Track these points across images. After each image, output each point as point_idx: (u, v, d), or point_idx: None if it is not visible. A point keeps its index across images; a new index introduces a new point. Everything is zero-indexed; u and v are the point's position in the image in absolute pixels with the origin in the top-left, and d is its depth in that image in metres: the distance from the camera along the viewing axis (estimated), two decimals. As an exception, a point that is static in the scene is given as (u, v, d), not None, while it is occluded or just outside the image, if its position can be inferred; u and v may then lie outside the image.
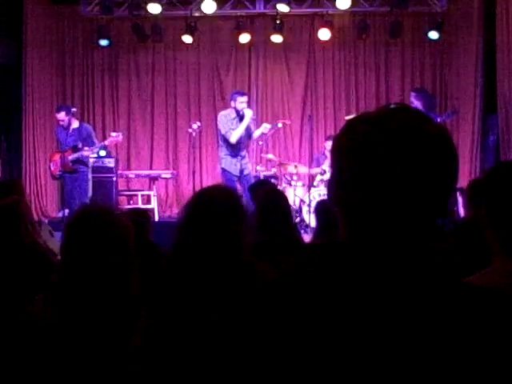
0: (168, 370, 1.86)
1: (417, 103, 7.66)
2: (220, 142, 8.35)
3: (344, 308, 0.95)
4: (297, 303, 0.97)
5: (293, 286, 1.00)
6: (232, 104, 8.14)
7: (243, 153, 8.25)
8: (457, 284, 1.00)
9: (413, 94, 7.87)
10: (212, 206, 2.00)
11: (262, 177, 8.89)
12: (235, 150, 8.09)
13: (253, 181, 8.72)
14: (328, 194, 1.10)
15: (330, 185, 1.09)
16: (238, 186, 8.02)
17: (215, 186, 2.25)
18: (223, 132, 8.08)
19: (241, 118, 8.05)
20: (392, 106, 1.09)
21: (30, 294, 2.71)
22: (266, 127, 8.33)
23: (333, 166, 1.09)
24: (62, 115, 8.42)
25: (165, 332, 1.89)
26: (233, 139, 7.96)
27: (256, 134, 8.35)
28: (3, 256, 3.21)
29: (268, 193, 4.04)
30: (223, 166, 8.27)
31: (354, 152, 1.03)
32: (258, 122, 9.31)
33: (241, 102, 8.00)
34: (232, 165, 8.12)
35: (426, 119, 1.05)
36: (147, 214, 4.24)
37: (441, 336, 0.93)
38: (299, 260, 1.05)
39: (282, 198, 3.95)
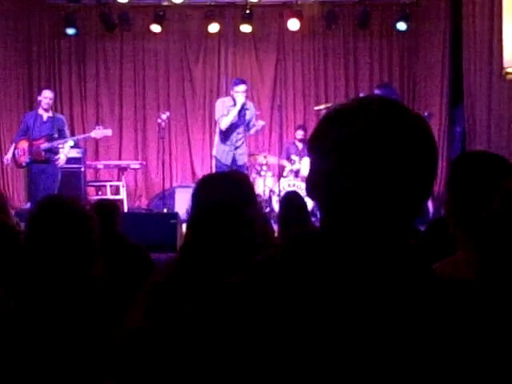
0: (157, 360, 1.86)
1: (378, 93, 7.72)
2: (216, 129, 8.29)
3: (322, 298, 0.95)
4: (275, 297, 0.96)
5: (270, 280, 0.99)
6: (231, 92, 8.08)
7: (238, 143, 8.03)
8: (430, 276, 1.01)
9: (376, 89, 7.94)
10: (222, 193, 1.98)
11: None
12: (229, 138, 7.94)
13: (253, 177, 8.74)
14: (306, 187, 1.08)
15: (310, 177, 1.07)
16: None
17: (220, 173, 2.24)
18: (216, 117, 8.05)
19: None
20: (372, 96, 1.09)
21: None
22: (260, 124, 8.23)
23: (312, 158, 1.07)
24: (49, 94, 8.02)
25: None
26: (222, 125, 7.85)
27: (252, 130, 8.23)
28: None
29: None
30: (214, 153, 8.23)
31: (335, 145, 1.01)
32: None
33: (236, 90, 7.87)
34: (224, 153, 7.97)
35: (407, 110, 1.05)
36: (115, 205, 4.19)
37: (412, 326, 0.94)
38: (277, 252, 1.05)
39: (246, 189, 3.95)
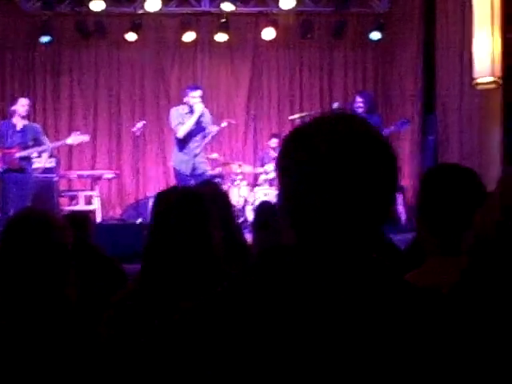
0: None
1: (360, 103, 7.79)
2: (174, 138, 8.09)
3: (289, 311, 0.99)
4: (246, 310, 1.01)
5: (243, 292, 1.04)
6: (185, 99, 7.84)
7: (197, 150, 7.83)
8: (396, 283, 1.05)
9: (357, 95, 8.02)
10: (179, 209, 1.99)
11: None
12: (187, 146, 7.76)
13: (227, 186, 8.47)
14: (277, 203, 1.14)
15: (279, 194, 1.11)
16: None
17: (175, 188, 2.25)
18: (172, 126, 7.85)
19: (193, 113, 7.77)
20: (334, 111, 1.13)
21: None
22: (215, 129, 8.06)
23: (280, 175, 1.11)
24: (26, 101, 7.89)
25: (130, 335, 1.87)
26: (180, 134, 7.68)
27: (207, 138, 8.03)
28: None
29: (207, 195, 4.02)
30: (173, 163, 8.06)
31: (300, 161, 1.04)
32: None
33: (192, 96, 7.67)
34: (182, 163, 7.80)
35: (366, 125, 1.08)
36: (87, 216, 4.16)
37: (377, 334, 0.98)
38: (249, 266, 1.10)
39: (221, 200, 3.94)
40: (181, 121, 7.67)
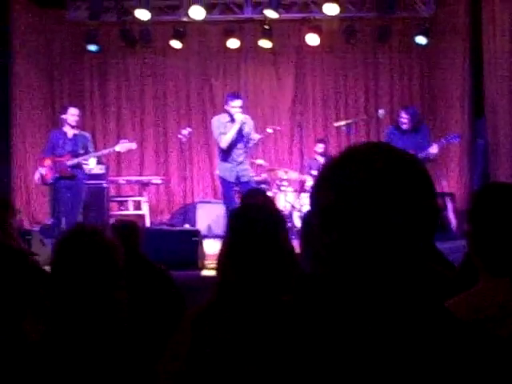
0: None
1: (405, 119, 7.70)
2: (217, 147, 8.07)
3: (331, 342, 1.00)
4: (290, 339, 1.02)
5: (289, 321, 1.05)
6: (226, 107, 7.79)
7: (240, 158, 7.77)
8: (437, 317, 1.04)
9: (403, 111, 7.91)
10: (256, 222, 2.03)
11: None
12: (230, 155, 7.71)
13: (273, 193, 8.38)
14: (313, 229, 1.12)
15: (315, 221, 1.10)
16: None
17: (251, 204, 2.29)
18: (215, 136, 7.85)
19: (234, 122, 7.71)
20: (375, 144, 1.12)
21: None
22: (257, 137, 8.03)
23: (315, 202, 1.10)
24: (76, 111, 8.04)
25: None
26: (223, 144, 7.65)
27: (250, 144, 7.97)
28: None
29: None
30: (218, 171, 8.04)
31: (340, 190, 1.04)
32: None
33: (232, 106, 7.62)
34: (226, 171, 7.75)
35: (408, 157, 1.08)
36: (135, 224, 4.18)
37: (414, 367, 0.98)
38: (293, 295, 1.10)
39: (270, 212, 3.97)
40: (222, 130, 7.64)
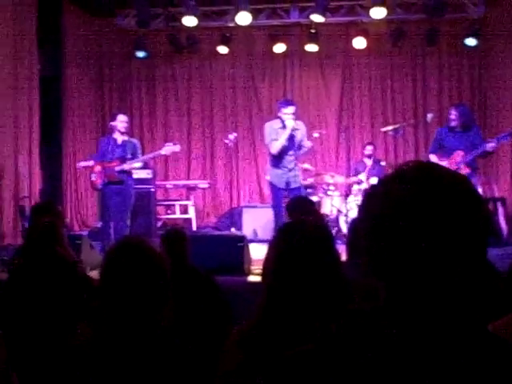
0: None
1: (453, 115, 7.53)
2: (268, 153, 8.00)
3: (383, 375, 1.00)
4: (339, 372, 1.03)
5: (335, 354, 1.05)
6: (279, 114, 7.71)
7: (291, 165, 7.69)
8: (476, 340, 1.04)
9: (452, 108, 7.72)
10: (303, 240, 2.03)
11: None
12: (281, 161, 7.66)
13: (319, 197, 8.28)
14: (367, 263, 1.11)
15: (368, 255, 1.10)
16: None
17: (299, 221, 2.27)
18: (266, 142, 7.78)
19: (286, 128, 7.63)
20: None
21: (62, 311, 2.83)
22: (309, 145, 7.92)
23: (366, 209, 1.11)
24: (125, 118, 8.19)
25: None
26: (273, 150, 7.59)
27: (302, 151, 7.89)
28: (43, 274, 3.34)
29: (302, 215, 4.06)
30: (268, 177, 7.98)
31: (388, 218, 1.05)
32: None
33: (284, 112, 7.54)
34: (277, 177, 7.68)
35: (455, 176, 1.08)
36: (183, 234, 4.19)
37: None
38: (340, 328, 1.09)
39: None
40: (274, 136, 7.59)
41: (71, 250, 4.69)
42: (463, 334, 1.03)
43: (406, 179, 1.06)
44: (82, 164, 8.06)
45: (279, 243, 2.08)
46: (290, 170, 7.71)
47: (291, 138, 7.60)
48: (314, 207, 5.06)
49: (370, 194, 1.12)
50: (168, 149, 8.25)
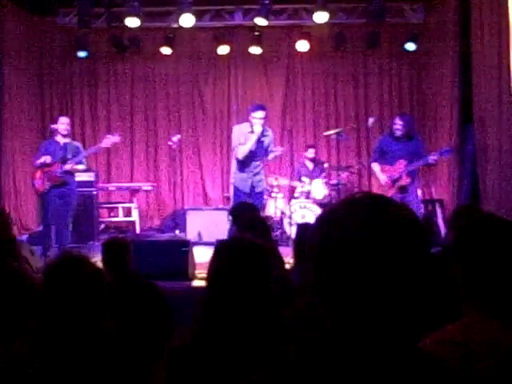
0: None
1: (399, 125, 7.69)
2: (233, 156, 7.91)
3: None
4: None
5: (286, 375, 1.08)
6: (249, 117, 7.62)
7: (256, 169, 7.67)
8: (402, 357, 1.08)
9: (398, 117, 7.90)
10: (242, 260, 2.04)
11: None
12: (247, 165, 7.59)
13: (264, 199, 8.22)
14: (314, 290, 1.14)
15: (314, 284, 1.13)
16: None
17: (241, 238, 2.28)
18: (233, 145, 7.73)
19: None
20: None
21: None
22: (279, 150, 7.96)
23: (312, 269, 1.13)
24: (66, 120, 8.02)
25: None
26: (239, 155, 7.52)
27: (270, 156, 7.85)
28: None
29: (246, 221, 4.08)
30: (233, 181, 7.92)
31: (332, 255, 1.08)
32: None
33: (253, 116, 7.48)
34: (242, 181, 7.62)
35: (399, 207, 1.12)
36: (126, 243, 4.13)
37: None
38: (288, 357, 1.12)
39: (260, 226, 3.99)
40: (242, 140, 7.51)
41: (23, 260, 4.60)
42: (396, 355, 1.07)
43: (357, 208, 1.09)
44: (39, 162, 7.81)
45: (213, 261, 2.09)
46: (255, 175, 7.68)
47: (259, 143, 7.56)
48: (257, 213, 5.07)
49: (319, 221, 1.14)
50: (108, 141, 8.15)
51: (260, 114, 7.47)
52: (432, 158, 7.33)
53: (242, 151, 7.50)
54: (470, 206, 5.98)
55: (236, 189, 7.74)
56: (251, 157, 7.57)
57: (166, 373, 1.94)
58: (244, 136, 7.52)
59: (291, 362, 1.10)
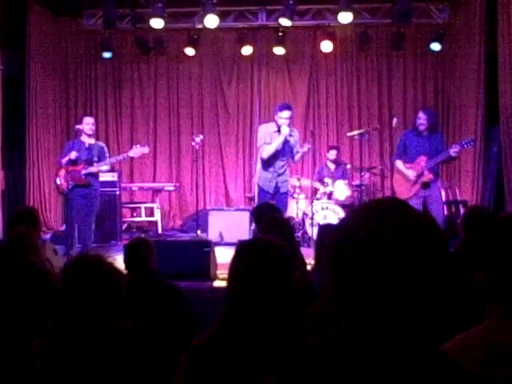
0: None
1: (423, 120, 7.57)
2: (258, 155, 7.87)
3: None
4: None
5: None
6: (275, 117, 7.59)
7: (281, 170, 7.60)
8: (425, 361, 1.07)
9: (421, 112, 7.77)
10: (264, 260, 2.02)
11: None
12: (272, 165, 7.54)
13: (288, 200, 8.12)
14: (331, 296, 1.14)
15: (331, 288, 1.12)
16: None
17: (263, 239, 2.26)
18: (258, 145, 7.68)
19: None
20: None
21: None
22: (306, 147, 7.82)
23: (330, 271, 1.12)
24: (91, 120, 8.06)
25: None
26: (264, 154, 7.47)
27: (297, 156, 7.76)
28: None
29: (269, 222, 4.06)
30: (257, 180, 7.84)
31: (352, 257, 1.07)
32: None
33: (280, 116, 7.44)
34: (266, 181, 7.56)
35: (420, 214, 1.12)
36: (148, 243, 4.14)
37: None
38: (302, 357, 1.10)
39: (283, 227, 3.97)
40: (267, 140, 7.47)
41: (47, 260, 4.64)
42: (416, 359, 1.06)
43: (380, 212, 1.10)
44: (64, 160, 7.85)
45: (234, 262, 2.08)
46: (280, 175, 7.63)
47: (285, 143, 7.51)
48: (279, 215, 5.04)
49: (342, 222, 1.15)
50: (136, 151, 8.17)
51: (286, 113, 7.44)
52: (453, 151, 7.16)
53: (267, 150, 7.46)
54: (482, 207, 5.91)
55: (260, 189, 7.68)
56: (276, 156, 7.52)
57: (185, 373, 1.93)
58: (270, 135, 7.49)
59: (311, 361, 1.09)
